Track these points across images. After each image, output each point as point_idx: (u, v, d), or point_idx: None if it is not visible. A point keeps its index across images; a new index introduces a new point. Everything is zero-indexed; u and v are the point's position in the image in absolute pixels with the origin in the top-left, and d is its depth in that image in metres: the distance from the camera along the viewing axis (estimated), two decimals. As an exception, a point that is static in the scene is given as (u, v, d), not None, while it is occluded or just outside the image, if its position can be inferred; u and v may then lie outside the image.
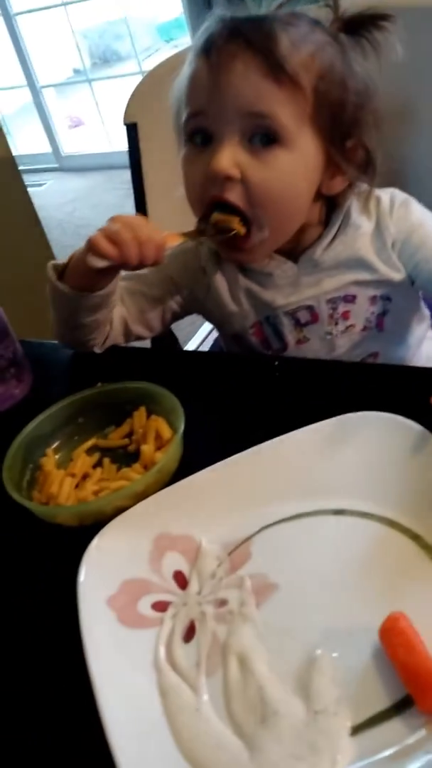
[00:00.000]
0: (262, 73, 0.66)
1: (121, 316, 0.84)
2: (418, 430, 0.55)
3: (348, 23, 0.71)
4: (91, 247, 0.69)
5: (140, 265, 0.71)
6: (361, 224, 0.79)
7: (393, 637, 0.43)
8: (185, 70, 0.73)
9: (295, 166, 0.71)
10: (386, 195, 0.80)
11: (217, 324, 0.89)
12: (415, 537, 0.51)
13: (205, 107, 0.70)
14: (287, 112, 0.68)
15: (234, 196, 0.70)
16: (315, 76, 0.68)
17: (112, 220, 0.70)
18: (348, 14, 0.71)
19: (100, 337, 0.82)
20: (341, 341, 0.82)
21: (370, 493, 0.55)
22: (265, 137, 0.69)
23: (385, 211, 0.79)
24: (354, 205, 0.79)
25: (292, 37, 0.67)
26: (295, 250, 0.80)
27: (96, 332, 0.81)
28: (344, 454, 0.57)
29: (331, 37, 0.71)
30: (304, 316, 0.81)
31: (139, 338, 0.88)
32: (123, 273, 0.79)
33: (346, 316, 0.81)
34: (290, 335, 0.82)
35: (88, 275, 0.74)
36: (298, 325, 0.82)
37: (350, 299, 0.80)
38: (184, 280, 0.86)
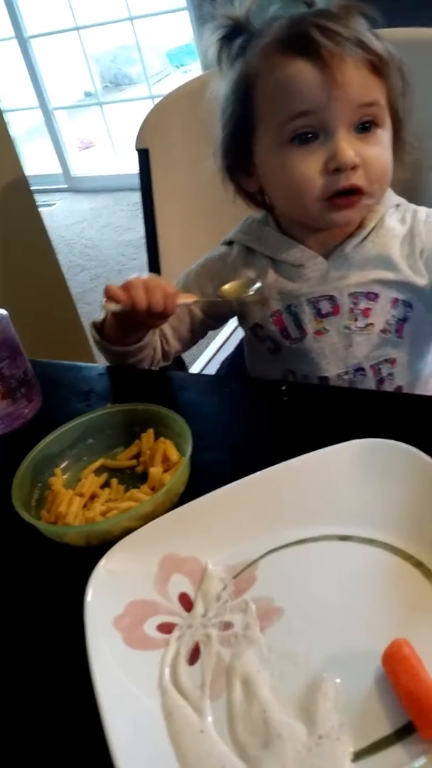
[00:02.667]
0: (367, 65, 0.73)
1: (159, 340, 0.90)
2: (426, 458, 0.56)
3: None
4: (104, 293, 0.77)
5: (151, 311, 0.77)
6: (395, 228, 0.83)
7: (396, 664, 0.44)
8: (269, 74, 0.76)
9: (389, 141, 0.78)
10: (423, 209, 0.85)
11: (238, 315, 0.93)
12: (419, 564, 0.52)
13: (318, 105, 0.74)
14: (383, 98, 0.75)
15: (359, 179, 0.76)
16: (387, 62, 0.75)
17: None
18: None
19: (147, 365, 0.90)
20: (359, 338, 0.84)
21: (376, 520, 0.55)
22: (367, 123, 0.75)
23: (420, 221, 0.83)
24: (390, 212, 0.84)
25: (365, 28, 0.74)
26: (326, 244, 0.84)
27: (142, 364, 0.89)
28: (351, 480, 0.58)
29: None
30: (325, 306, 0.84)
31: (177, 353, 0.96)
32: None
33: (366, 313, 0.83)
34: (309, 324, 0.85)
35: (118, 328, 0.83)
36: (319, 315, 0.84)
37: (372, 297, 0.83)
38: (210, 282, 0.90)
